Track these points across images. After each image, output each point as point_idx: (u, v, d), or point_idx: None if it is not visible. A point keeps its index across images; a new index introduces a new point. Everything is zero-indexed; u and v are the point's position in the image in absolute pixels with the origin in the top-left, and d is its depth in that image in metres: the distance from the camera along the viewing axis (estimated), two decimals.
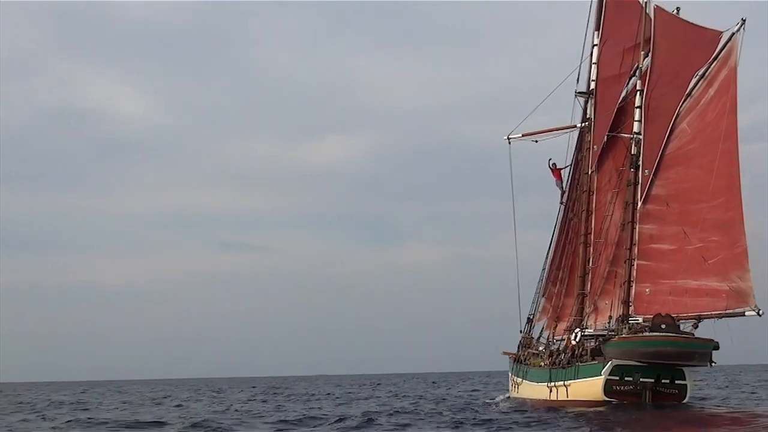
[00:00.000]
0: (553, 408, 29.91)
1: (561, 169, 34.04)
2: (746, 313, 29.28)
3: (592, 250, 32.36)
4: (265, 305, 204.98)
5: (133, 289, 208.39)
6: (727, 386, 47.99)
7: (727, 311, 29.38)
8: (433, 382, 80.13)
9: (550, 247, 35.28)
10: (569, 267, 33.82)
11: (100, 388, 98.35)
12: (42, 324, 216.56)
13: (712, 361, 29.56)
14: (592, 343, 30.14)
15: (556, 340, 33.86)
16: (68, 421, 28.92)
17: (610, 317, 31.01)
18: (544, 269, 35.59)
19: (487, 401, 36.49)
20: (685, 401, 28.91)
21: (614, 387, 28.77)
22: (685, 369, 28.88)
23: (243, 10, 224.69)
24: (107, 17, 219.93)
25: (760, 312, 29.22)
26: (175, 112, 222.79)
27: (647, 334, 28.90)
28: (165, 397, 51.77)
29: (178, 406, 40.21)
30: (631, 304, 30.45)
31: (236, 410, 33.86)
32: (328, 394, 52.09)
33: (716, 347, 29.20)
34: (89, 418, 29.98)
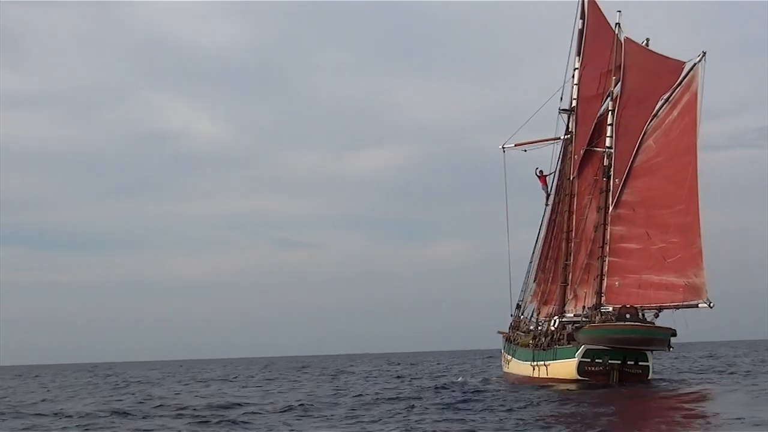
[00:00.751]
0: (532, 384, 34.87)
1: (546, 175, 38.42)
2: (699, 306, 33.53)
3: (572, 245, 36.97)
4: (315, 293, 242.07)
5: (206, 281, 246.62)
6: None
7: (684, 303, 33.68)
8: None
9: (537, 242, 39.65)
10: (555, 258, 38.28)
11: (189, 365, 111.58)
12: (132, 312, 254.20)
13: (671, 346, 34.19)
14: (570, 327, 34.92)
15: (542, 321, 38.57)
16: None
17: (584, 306, 35.71)
18: (531, 261, 40.13)
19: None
20: (647, 380, 32.83)
21: (586, 368, 32.80)
22: (647, 352, 32.97)
23: (298, 45, 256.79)
24: (183, 51, 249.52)
25: (711, 304, 33.65)
26: (241, 131, 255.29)
27: (614, 322, 33.29)
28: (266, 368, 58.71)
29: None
30: (603, 294, 34.98)
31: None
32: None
33: (674, 334, 33.52)
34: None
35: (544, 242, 39.20)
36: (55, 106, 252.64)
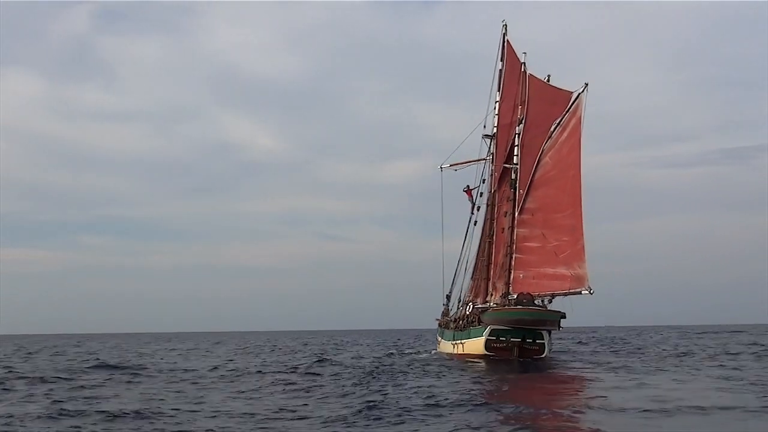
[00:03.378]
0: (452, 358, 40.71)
1: (472, 189, 44.65)
2: (582, 292, 38.91)
3: (494, 246, 42.98)
4: (351, 278, 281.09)
5: (262, 267, 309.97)
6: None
7: (570, 291, 39.09)
8: None
9: (463, 244, 45.26)
10: (482, 258, 44.23)
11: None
12: (202, 292, 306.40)
13: (560, 327, 39.67)
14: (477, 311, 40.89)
15: (460, 308, 44.47)
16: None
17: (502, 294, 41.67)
18: (459, 260, 45.81)
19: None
20: (543, 355, 37.30)
21: (492, 344, 37.51)
22: (543, 331, 37.54)
23: (342, 75, 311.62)
24: (247, 77, 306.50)
25: (591, 291, 39.20)
26: (293, 143, 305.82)
27: (512, 306, 38.58)
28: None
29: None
30: (510, 285, 40.89)
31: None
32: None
33: (563, 316, 38.79)
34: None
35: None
36: (140, 121, 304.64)
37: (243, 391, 23.57)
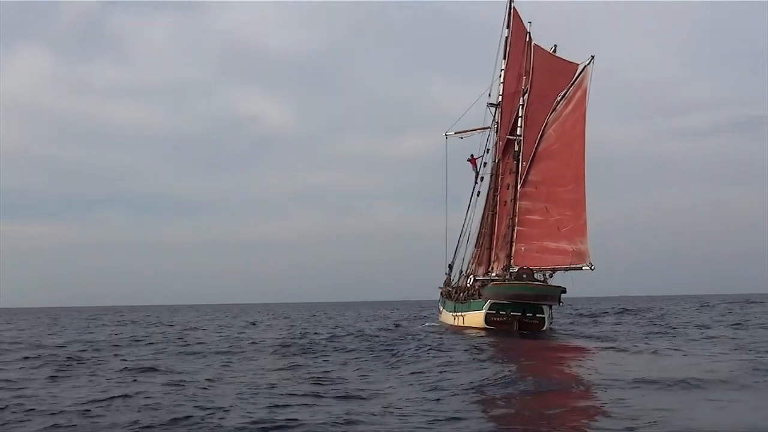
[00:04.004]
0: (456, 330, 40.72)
1: (476, 158, 44.18)
2: (583, 268, 38.72)
3: (497, 216, 42.66)
4: (367, 251, 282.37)
5: (276, 240, 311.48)
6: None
7: (571, 266, 38.95)
8: None
9: (467, 214, 45.27)
10: (486, 227, 44.01)
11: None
12: (217, 264, 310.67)
13: (561, 302, 39.47)
14: (478, 285, 40.82)
15: (461, 280, 44.49)
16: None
17: (502, 267, 41.45)
18: (462, 230, 45.70)
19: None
20: (543, 329, 37.00)
21: (492, 318, 37.49)
22: (543, 306, 37.32)
23: (354, 48, 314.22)
24: (259, 52, 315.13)
25: (592, 267, 38.93)
26: (305, 117, 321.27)
27: (512, 281, 38.47)
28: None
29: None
30: (512, 257, 40.69)
31: None
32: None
33: (564, 291, 38.63)
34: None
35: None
36: (152, 96, 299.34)
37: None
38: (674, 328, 38.43)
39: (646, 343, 28.13)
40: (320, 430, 12.13)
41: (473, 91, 43.00)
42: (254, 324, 51.81)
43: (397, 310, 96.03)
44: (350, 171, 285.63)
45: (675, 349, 24.98)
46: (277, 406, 14.29)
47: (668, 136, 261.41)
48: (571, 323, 45.39)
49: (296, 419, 12.83)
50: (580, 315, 56.45)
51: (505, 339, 32.55)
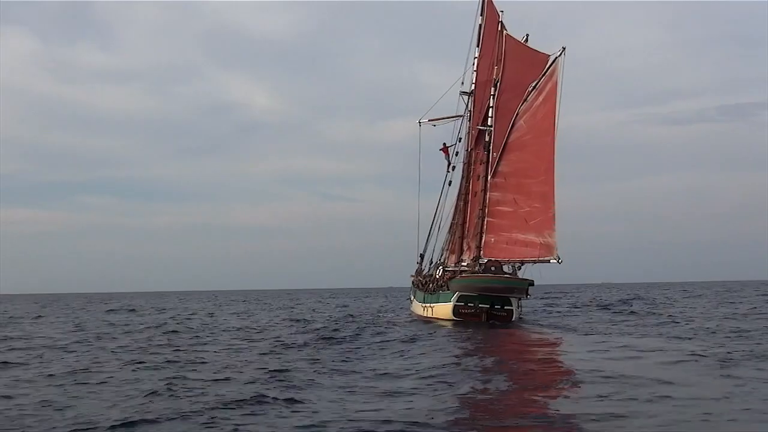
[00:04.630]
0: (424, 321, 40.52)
1: (449, 147, 43.63)
2: (551, 261, 38.42)
3: (469, 206, 42.24)
4: (352, 238, 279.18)
5: (262, 226, 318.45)
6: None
7: (539, 259, 38.64)
8: None
9: (438, 202, 44.51)
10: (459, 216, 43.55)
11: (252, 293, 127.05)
12: (203, 250, 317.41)
13: (528, 294, 39.27)
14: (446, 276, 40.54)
15: (431, 270, 44.20)
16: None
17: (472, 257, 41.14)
18: (434, 218, 45.12)
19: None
20: (512, 320, 36.77)
21: (460, 310, 37.18)
22: (511, 298, 37.04)
23: (340, 32, 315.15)
24: (243, 36, 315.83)
25: (560, 260, 38.65)
26: (291, 102, 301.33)
27: (480, 274, 38.16)
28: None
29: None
30: (481, 248, 40.42)
31: None
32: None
33: (531, 284, 38.53)
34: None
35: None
36: (137, 81, 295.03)
37: None
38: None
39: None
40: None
41: (460, 77, 42.07)
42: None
43: (385, 297, 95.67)
44: (336, 156, 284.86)
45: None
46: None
47: (654, 123, 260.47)
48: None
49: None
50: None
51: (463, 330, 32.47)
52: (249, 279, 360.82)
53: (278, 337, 29.26)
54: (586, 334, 29.17)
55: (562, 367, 19.23)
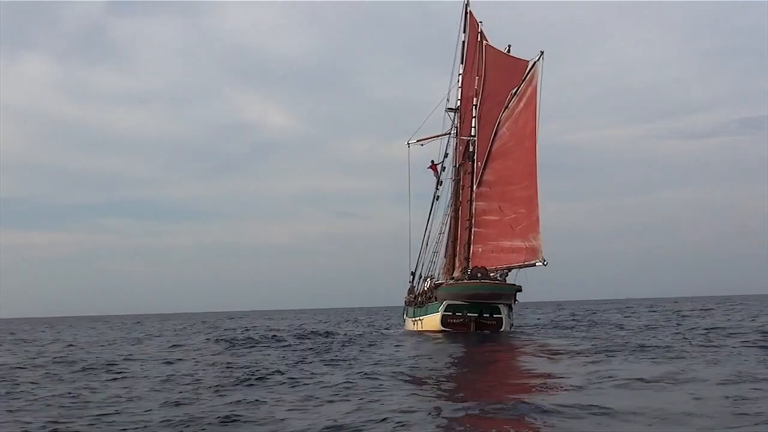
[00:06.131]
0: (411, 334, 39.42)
1: (437, 164, 43.29)
2: (536, 264, 37.49)
3: (460, 221, 41.46)
4: (366, 255, 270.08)
5: (276, 245, 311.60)
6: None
7: (525, 263, 37.78)
8: None
9: (427, 222, 43.34)
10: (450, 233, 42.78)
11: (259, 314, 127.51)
12: (219, 269, 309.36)
13: (516, 300, 38.19)
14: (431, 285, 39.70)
15: (420, 284, 43.25)
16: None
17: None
18: (424, 236, 43.94)
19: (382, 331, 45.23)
20: (501, 329, 35.90)
21: (449, 320, 36.32)
22: (500, 306, 36.20)
23: (355, 51, 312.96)
24: (259, 56, 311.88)
25: (545, 263, 37.67)
26: (306, 121, 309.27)
27: (466, 281, 37.15)
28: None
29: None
30: (470, 259, 39.61)
31: None
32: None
33: (519, 290, 37.40)
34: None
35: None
36: (155, 102, 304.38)
37: None
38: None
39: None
40: None
41: (445, 95, 42.17)
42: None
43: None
44: (352, 174, 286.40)
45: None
46: None
47: (671, 137, 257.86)
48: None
49: None
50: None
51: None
52: (264, 298, 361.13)
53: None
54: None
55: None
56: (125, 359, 25.57)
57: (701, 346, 23.09)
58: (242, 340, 35.17)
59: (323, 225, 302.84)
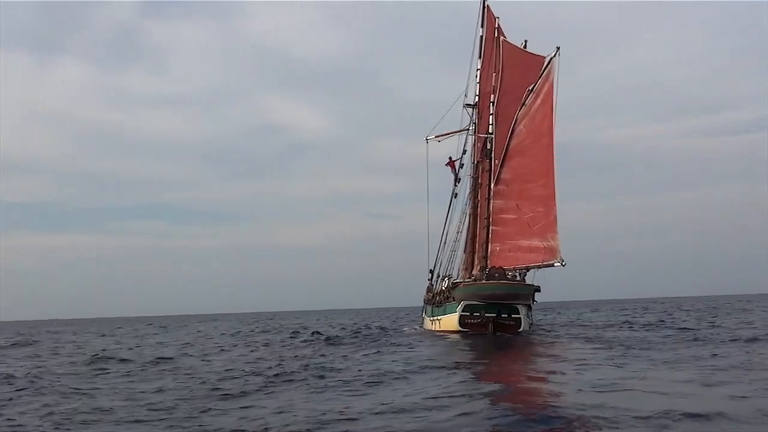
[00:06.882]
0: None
1: (454, 161, 42.76)
2: (555, 264, 36.91)
3: (478, 219, 41.00)
4: (397, 255, 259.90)
5: (310, 246, 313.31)
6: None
7: (543, 263, 37.25)
8: None
9: (446, 219, 43.17)
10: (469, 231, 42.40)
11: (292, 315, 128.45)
12: (252, 271, 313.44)
13: (534, 300, 37.75)
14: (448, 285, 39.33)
15: (437, 283, 42.88)
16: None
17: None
18: (442, 233, 43.57)
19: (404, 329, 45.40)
20: (520, 330, 35.12)
21: (466, 321, 35.75)
22: (519, 306, 35.57)
23: (385, 52, 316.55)
24: (291, 58, 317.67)
25: (563, 263, 37.08)
26: (339, 123, 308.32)
27: (483, 281, 36.76)
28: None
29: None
30: (488, 258, 39.14)
31: None
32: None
33: (537, 290, 37.03)
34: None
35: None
36: (187, 105, 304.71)
37: None
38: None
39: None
40: None
41: (463, 90, 41.65)
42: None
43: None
44: (383, 175, 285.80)
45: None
46: None
47: (704, 134, 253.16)
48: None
49: None
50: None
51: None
52: (295, 299, 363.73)
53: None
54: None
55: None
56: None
57: None
58: (331, 336, 37.36)
59: (355, 226, 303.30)
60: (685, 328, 34.93)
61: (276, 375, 18.51)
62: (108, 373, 21.24)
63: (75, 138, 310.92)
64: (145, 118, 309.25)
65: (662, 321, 44.05)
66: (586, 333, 34.57)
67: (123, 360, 26.12)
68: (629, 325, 40.59)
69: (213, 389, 15.97)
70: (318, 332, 42.05)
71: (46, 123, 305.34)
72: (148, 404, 14.03)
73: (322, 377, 17.73)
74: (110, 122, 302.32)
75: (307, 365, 20.84)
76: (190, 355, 27.74)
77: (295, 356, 24.95)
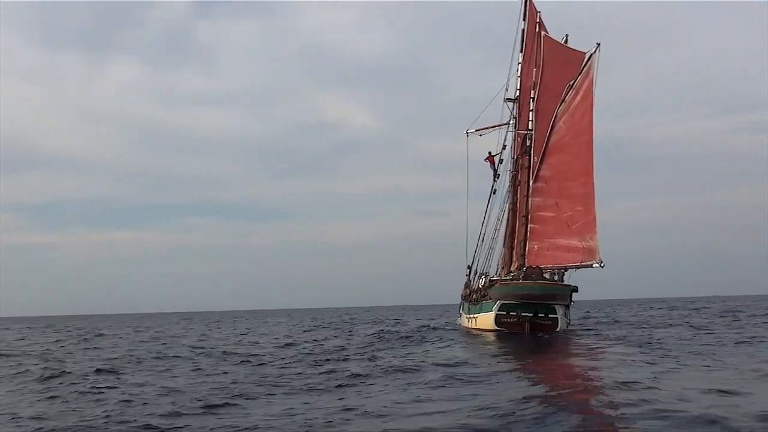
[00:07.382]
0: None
1: (494, 156, 42.13)
2: (593, 265, 36.09)
3: (517, 215, 40.39)
4: (445, 252, 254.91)
5: (359, 243, 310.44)
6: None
7: (582, 264, 36.44)
8: None
9: (485, 215, 42.78)
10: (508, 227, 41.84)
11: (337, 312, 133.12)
12: (302, 268, 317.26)
13: (572, 300, 37.12)
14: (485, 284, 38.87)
15: (475, 280, 42.38)
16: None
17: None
18: (481, 228, 43.13)
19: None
20: (557, 330, 34.62)
21: (502, 320, 35.50)
22: (556, 306, 35.15)
23: (433, 50, 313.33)
24: (339, 56, 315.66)
25: (602, 264, 36.30)
26: (385, 121, 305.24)
27: (520, 281, 36.25)
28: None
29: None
30: (526, 257, 38.60)
31: None
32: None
33: (575, 290, 36.42)
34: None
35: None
36: (237, 104, 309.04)
37: None
38: None
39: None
40: None
41: (504, 84, 40.98)
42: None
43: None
44: (433, 172, 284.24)
45: None
46: None
47: (749, 131, 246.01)
48: None
49: None
50: None
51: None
52: (346, 296, 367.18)
53: None
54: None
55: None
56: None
57: None
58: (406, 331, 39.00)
59: (404, 223, 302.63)
60: None
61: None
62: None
63: (128, 136, 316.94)
64: (197, 116, 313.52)
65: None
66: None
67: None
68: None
69: None
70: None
71: (98, 122, 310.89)
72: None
73: None
74: (163, 121, 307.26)
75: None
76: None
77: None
